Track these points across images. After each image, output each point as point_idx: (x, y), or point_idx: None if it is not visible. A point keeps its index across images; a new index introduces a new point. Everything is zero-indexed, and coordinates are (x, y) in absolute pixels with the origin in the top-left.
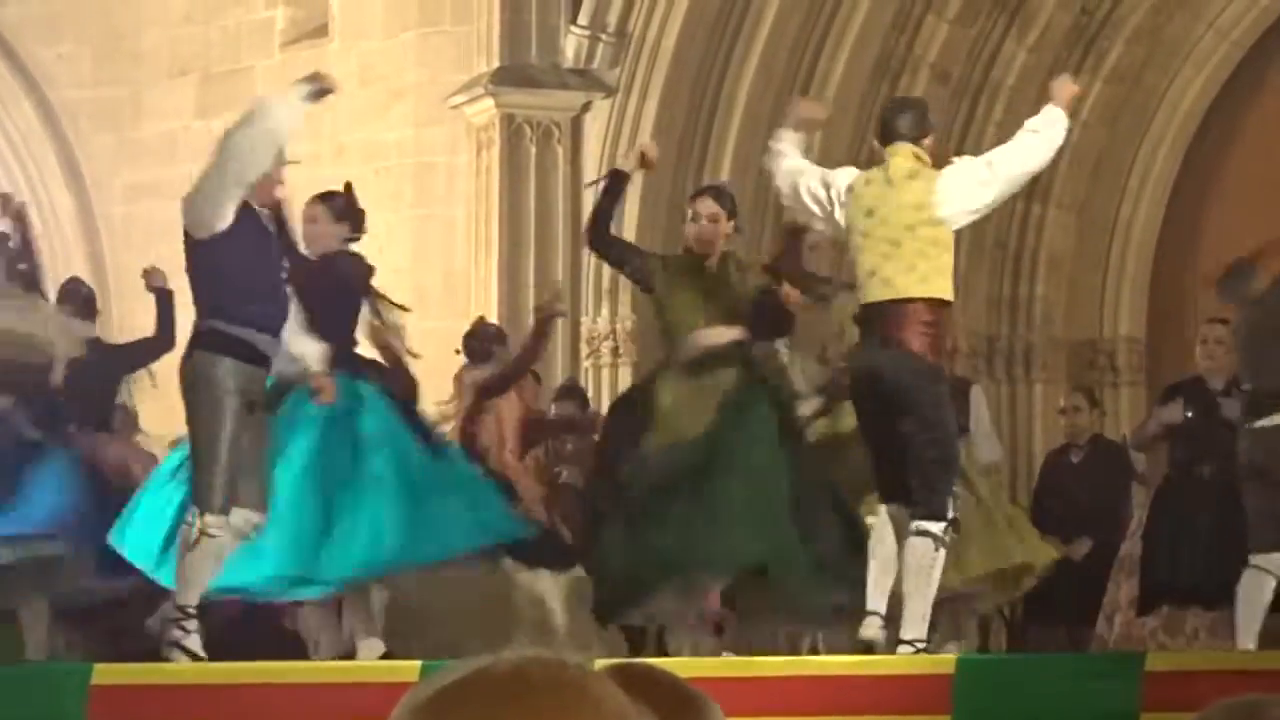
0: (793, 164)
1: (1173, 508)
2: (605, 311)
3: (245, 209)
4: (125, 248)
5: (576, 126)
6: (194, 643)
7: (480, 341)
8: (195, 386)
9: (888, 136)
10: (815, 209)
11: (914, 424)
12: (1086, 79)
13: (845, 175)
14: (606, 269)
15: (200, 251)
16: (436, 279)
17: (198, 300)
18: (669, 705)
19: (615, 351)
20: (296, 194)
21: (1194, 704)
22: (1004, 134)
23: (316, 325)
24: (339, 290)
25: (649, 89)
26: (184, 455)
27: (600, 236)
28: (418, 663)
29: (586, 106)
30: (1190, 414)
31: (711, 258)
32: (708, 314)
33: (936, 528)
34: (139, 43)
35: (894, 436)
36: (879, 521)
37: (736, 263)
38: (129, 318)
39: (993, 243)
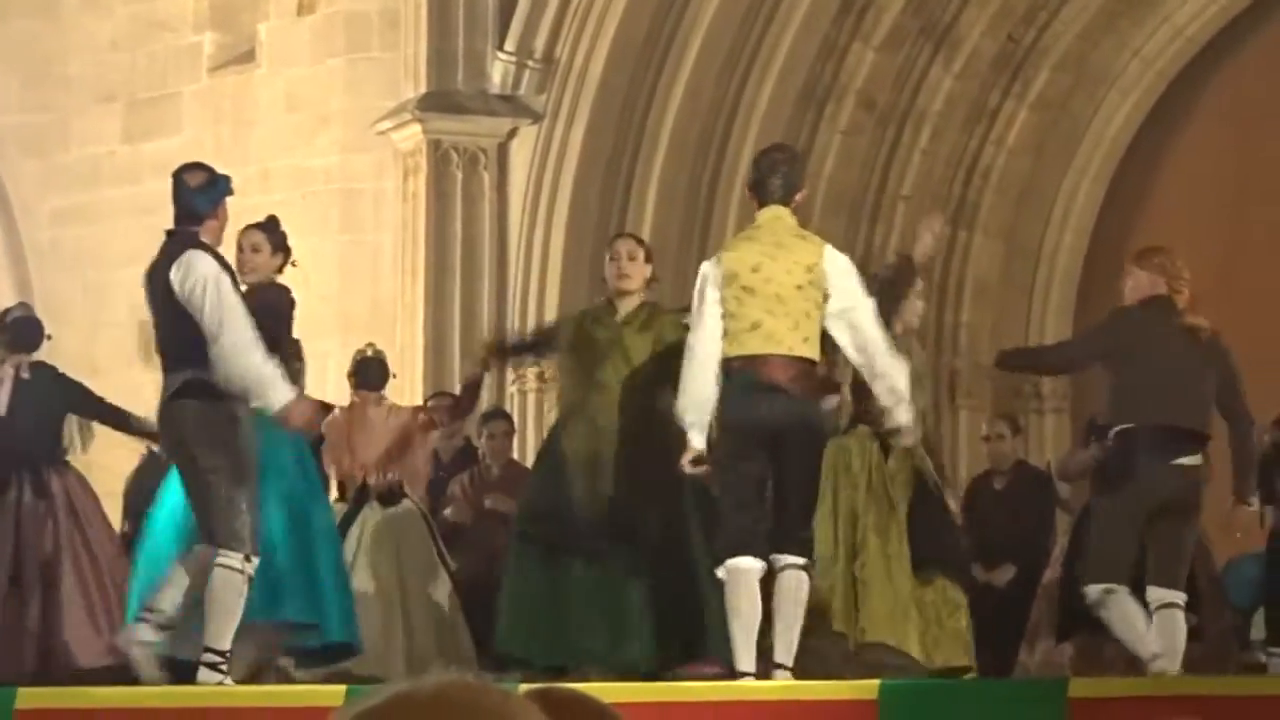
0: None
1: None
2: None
3: (216, 256)
4: (53, 272)
5: (503, 153)
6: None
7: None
8: (214, 431)
9: (762, 198)
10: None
11: (793, 466)
12: (1012, 106)
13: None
14: (533, 295)
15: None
16: (363, 305)
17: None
18: None
19: (541, 377)
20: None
21: None
22: (930, 161)
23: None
24: (273, 322)
25: (576, 115)
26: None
27: None
28: (342, 687)
29: (513, 133)
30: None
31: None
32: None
33: (805, 562)
34: (66, 68)
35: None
36: (734, 577)
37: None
38: (57, 343)
39: (921, 271)
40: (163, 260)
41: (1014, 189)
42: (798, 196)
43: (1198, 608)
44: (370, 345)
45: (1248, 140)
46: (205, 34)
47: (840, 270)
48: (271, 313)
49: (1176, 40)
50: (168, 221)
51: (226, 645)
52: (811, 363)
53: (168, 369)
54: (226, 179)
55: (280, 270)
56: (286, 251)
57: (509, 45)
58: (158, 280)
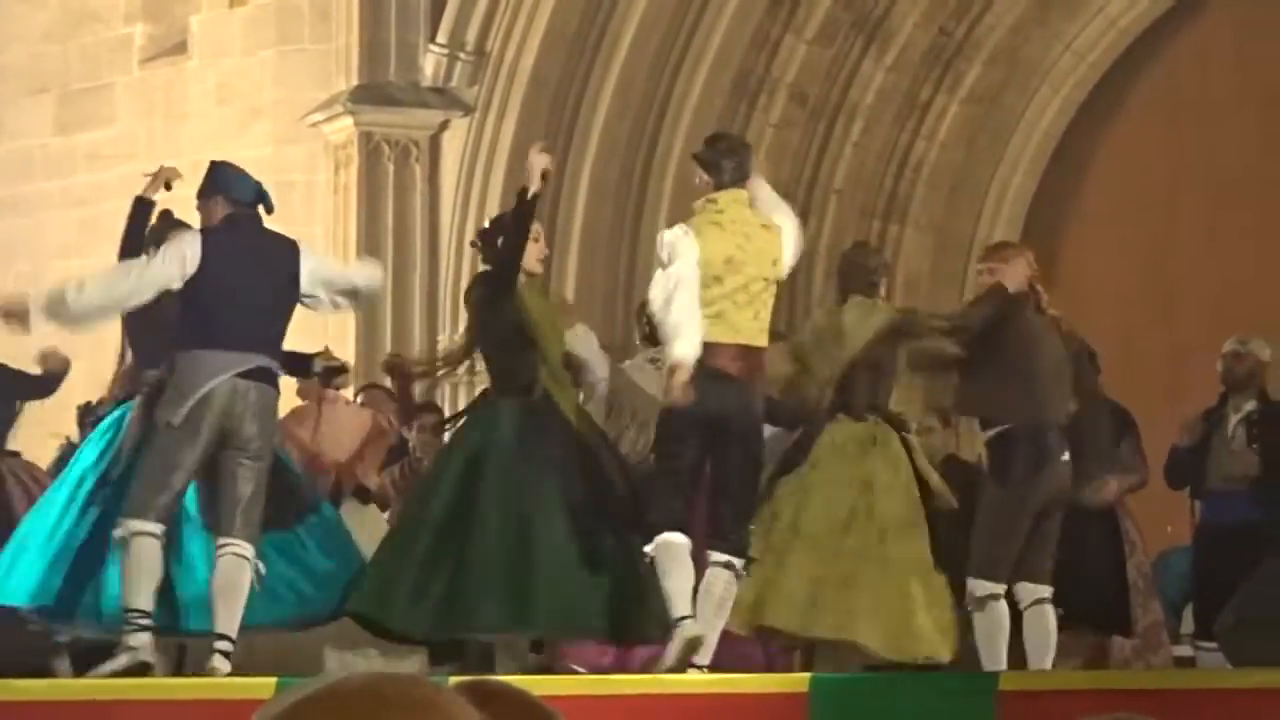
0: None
1: None
2: (462, 329)
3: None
4: None
5: (435, 145)
6: None
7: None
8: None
9: (721, 180)
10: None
11: (741, 461)
12: (944, 99)
13: (679, 235)
14: (464, 287)
15: None
16: None
17: None
18: None
19: (471, 369)
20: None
21: None
22: (861, 154)
23: None
24: None
25: (507, 108)
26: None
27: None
28: (273, 679)
29: (445, 125)
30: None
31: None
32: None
33: (739, 563)
34: None
35: (717, 474)
36: (668, 550)
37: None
38: None
39: None
40: (274, 242)
41: (946, 182)
42: (748, 182)
43: (1127, 601)
44: (326, 348)
45: (1179, 133)
46: (136, 25)
47: (792, 251)
48: None
49: (1109, 32)
50: (101, 213)
51: (235, 633)
52: (763, 351)
53: (239, 347)
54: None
55: None
56: None
57: (441, 37)
58: (280, 260)
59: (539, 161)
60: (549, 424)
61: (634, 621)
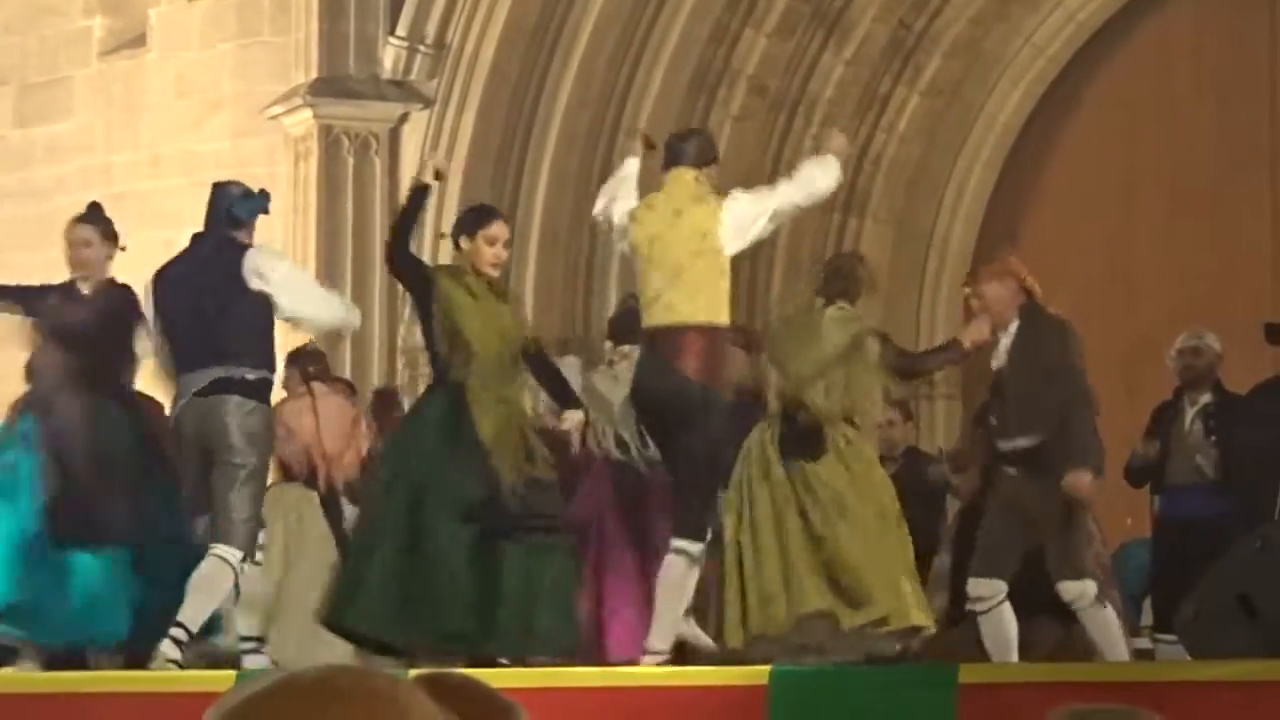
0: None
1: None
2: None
3: None
4: None
5: (394, 138)
6: None
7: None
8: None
9: (670, 161)
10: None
11: (682, 445)
12: (904, 92)
13: (625, 203)
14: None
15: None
16: None
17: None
18: (480, 715)
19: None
20: (107, 207)
21: (1005, 715)
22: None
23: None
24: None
25: (467, 101)
26: None
27: (401, 255)
28: (232, 672)
29: (404, 118)
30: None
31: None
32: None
33: (694, 548)
34: None
35: (676, 461)
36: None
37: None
38: None
39: (809, 257)
40: (220, 255)
41: (905, 175)
42: (709, 168)
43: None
44: (310, 340)
45: (1138, 127)
46: (95, 18)
47: (735, 221)
48: (117, 320)
49: (1068, 25)
50: (59, 206)
51: (196, 628)
52: (714, 330)
53: (196, 366)
54: (264, 196)
55: (111, 258)
56: (115, 239)
57: (400, 30)
58: (224, 272)
59: (434, 160)
60: (462, 421)
61: (519, 637)
